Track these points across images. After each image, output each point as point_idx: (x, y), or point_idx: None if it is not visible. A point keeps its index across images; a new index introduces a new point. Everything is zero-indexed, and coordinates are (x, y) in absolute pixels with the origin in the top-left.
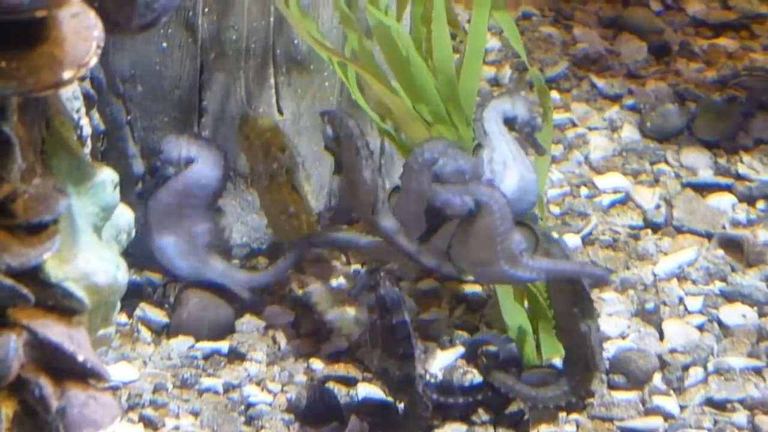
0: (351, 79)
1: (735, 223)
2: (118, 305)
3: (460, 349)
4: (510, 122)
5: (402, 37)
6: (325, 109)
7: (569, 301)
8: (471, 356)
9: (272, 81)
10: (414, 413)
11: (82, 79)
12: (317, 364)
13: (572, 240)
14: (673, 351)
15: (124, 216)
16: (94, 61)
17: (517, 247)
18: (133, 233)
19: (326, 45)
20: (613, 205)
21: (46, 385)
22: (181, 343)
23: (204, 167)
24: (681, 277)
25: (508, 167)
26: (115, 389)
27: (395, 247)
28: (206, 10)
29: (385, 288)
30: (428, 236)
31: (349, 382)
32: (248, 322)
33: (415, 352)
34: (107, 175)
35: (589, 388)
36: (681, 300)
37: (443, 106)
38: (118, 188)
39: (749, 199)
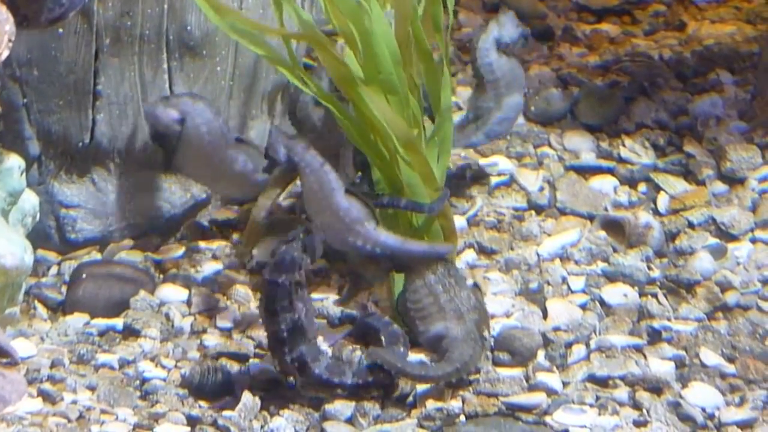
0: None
1: (617, 205)
2: (24, 286)
3: (348, 327)
4: (503, 46)
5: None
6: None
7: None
8: (358, 336)
9: (165, 66)
10: (307, 381)
11: None
12: (210, 341)
13: (458, 221)
14: (556, 329)
15: (30, 200)
16: (6, 53)
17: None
18: (38, 217)
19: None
20: (497, 187)
21: None
22: (76, 320)
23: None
24: (564, 257)
25: (510, 89)
26: (14, 365)
27: None
28: None
29: (288, 248)
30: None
31: (241, 358)
32: (142, 299)
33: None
34: (14, 162)
35: (476, 365)
36: (564, 280)
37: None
38: (24, 174)
39: (630, 182)
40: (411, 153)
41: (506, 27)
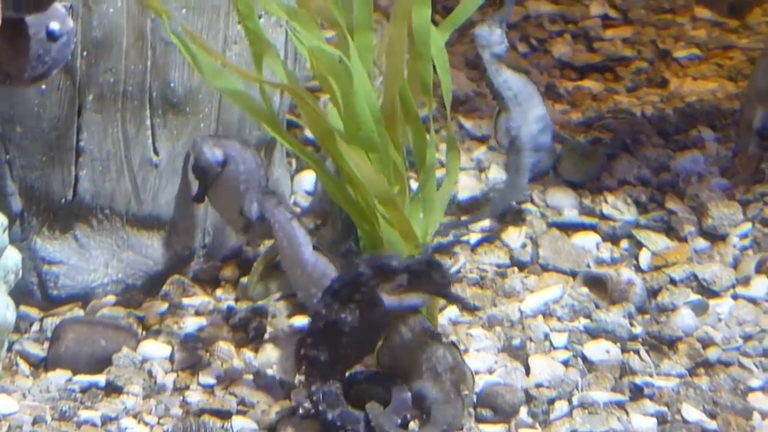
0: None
1: (599, 262)
2: (6, 343)
3: None
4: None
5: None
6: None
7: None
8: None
9: (149, 122)
10: None
11: None
12: (193, 397)
13: None
14: (539, 385)
15: (12, 257)
16: None
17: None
18: (21, 273)
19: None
20: (480, 243)
21: None
22: (59, 376)
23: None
24: (547, 313)
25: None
26: None
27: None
28: (84, 53)
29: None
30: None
31: (224, 414)
32: (125, 355)
33: None
34: None
35: (459, 424)
36: (546, 336)
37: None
38: (7, 231)
39: (613, 238)
40: (390, 210)
41: (495, 36)
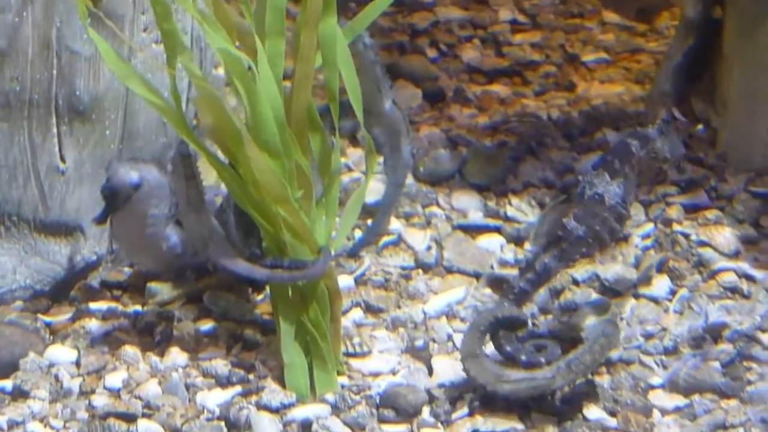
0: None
1: (503, 263)
2: None
3: (237, 388)
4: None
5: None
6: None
7: None
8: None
9: (55, 130)
10: None
11: None
12: (99, 401)
13: (345, 281)
14: (441, 386)
15: None
16: None
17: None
18: None
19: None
20: (385, 246)
21: None
22: None
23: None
24: (450, 315)
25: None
26: None
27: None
28: None
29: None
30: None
31: (129, 417)
32: (32, 360)
33: None
34: None
35: None
36: (450, 337)
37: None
38: None
39: (517, 240)
40: (288, 212)
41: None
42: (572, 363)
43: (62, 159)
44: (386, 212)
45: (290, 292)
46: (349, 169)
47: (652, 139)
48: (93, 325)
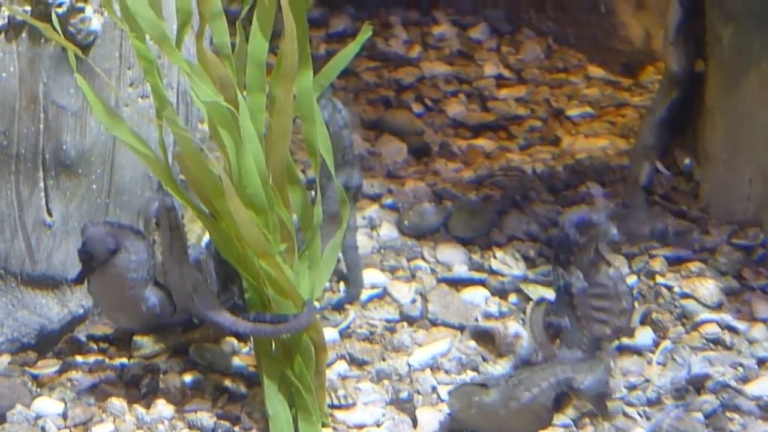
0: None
1: (487, 316)
2: None
3: None
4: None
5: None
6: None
7: None
8: None
9: (42, 184)
10: None
11: None
12: None
13: (330, 334)
14: None
15: None
16: None
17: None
18: None
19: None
20: (370, 299)
21: None
22: None
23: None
24: (435, 367)
25: None
26: None
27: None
28: None
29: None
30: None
31: None
32: (19, 412)
33: None
34: None
35: None
36: (434, 389)
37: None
38: None
39: (501, 293)
40: (270, 266)
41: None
42: None
43: (49, 213)
44: (355, 268)
45: (273, 345)
46: None
47: (597, 225)
48: (80, 377)
